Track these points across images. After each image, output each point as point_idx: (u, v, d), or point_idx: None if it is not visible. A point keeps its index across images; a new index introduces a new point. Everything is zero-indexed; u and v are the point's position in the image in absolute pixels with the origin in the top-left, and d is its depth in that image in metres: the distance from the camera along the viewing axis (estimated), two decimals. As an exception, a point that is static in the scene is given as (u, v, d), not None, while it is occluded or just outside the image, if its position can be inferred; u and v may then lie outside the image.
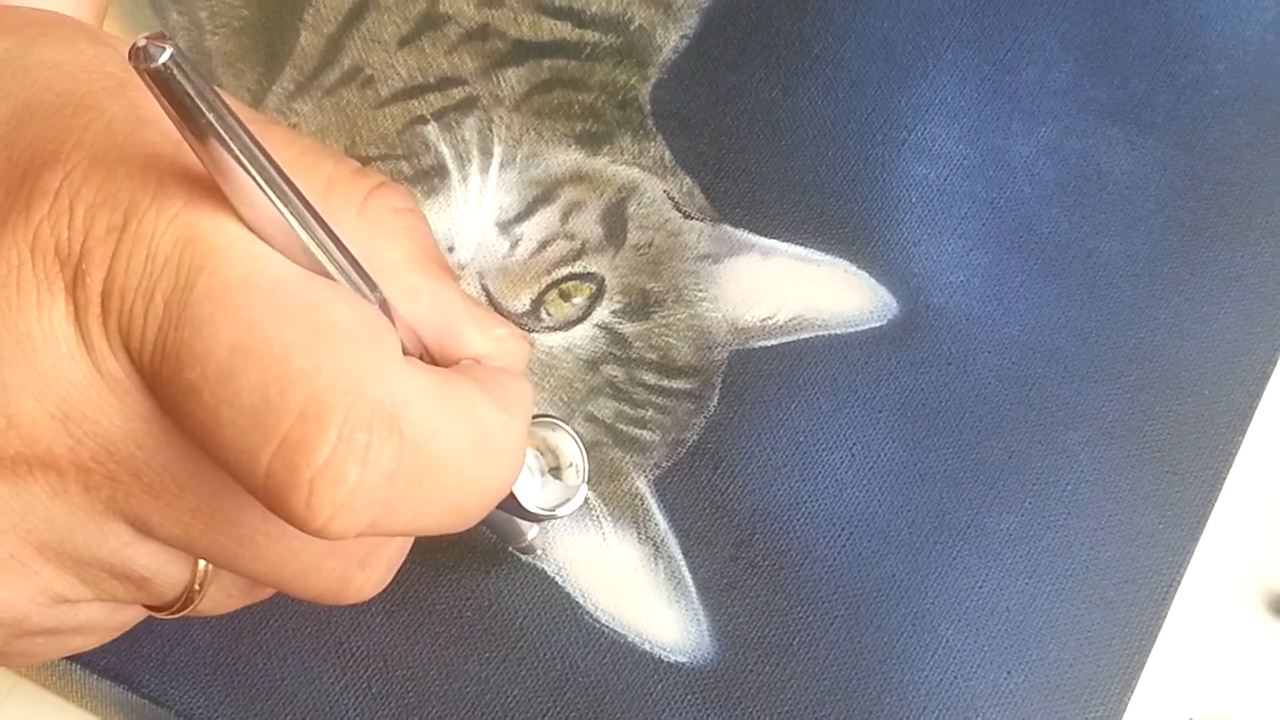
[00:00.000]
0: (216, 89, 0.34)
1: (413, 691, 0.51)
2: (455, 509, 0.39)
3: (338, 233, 0.37)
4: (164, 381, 0.36)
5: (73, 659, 0.50)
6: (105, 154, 0.36)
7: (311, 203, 0.36)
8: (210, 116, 0.33)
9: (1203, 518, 0.54)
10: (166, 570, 0.40)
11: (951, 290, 0.57)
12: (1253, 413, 0.56)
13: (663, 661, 0.52)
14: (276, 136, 0.39)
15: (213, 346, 0.35)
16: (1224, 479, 0.55)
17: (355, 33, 0.60)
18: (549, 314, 0.56)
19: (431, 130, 0.59)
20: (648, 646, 0.52)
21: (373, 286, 0.38)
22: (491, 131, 0.59)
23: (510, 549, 0.53)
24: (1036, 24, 0.62)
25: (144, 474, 0.37)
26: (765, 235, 0.58)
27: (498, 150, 0.58)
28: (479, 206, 0.57)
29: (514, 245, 0.57)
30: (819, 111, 0.60)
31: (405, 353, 0.38)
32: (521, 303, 0.55)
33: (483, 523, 0.48)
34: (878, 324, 0.56)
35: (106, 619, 0.42)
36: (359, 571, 0.42)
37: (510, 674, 0.51)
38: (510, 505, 0.46)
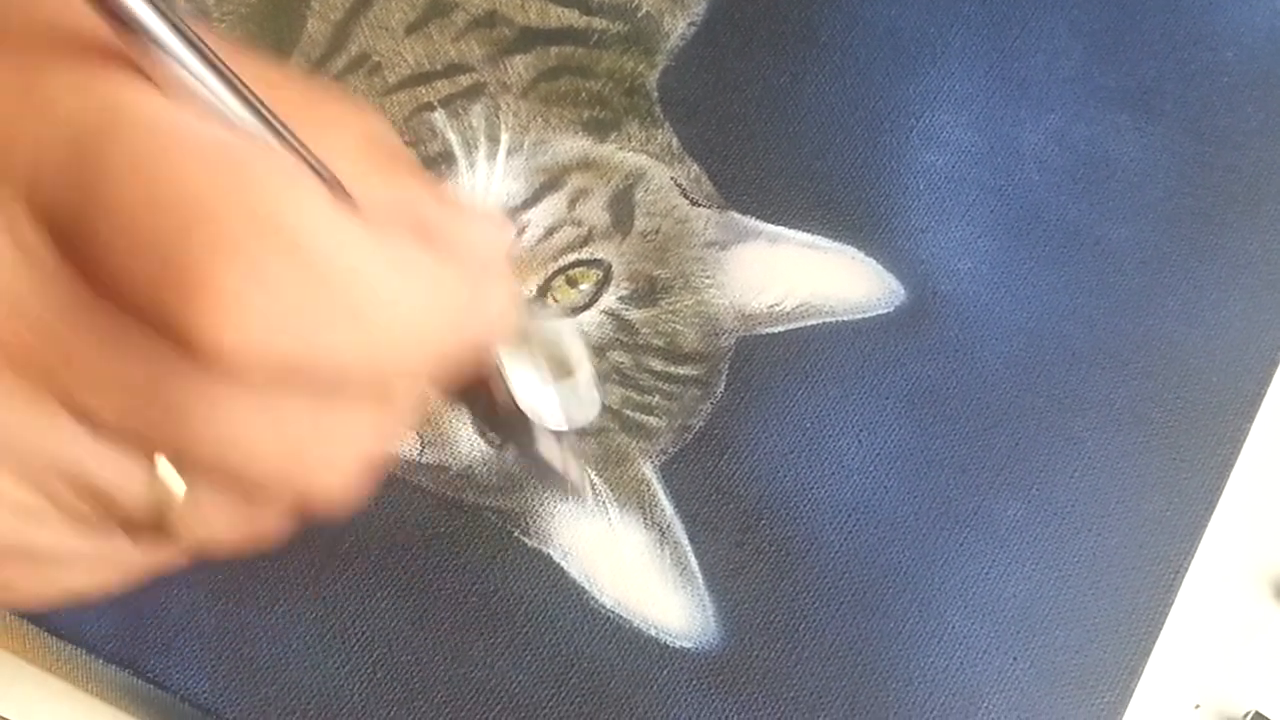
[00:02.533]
0: None
1: (417, 676, 0.51)
2: (374, 347, 0.37)
3: (263, 104, 0.36)
4: (78, 239, 0.35)
5: (78, 643, 0.50)
6: (13, 20, 0.36)
7: (238, 74, 0.35)
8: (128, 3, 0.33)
9: (1210, 504, 0.54)
10: (124, 479, 0.39)
11: (959, 277, 0.57)
12: (1261, 399, 0.55)
13: (668, 647, 0.52)
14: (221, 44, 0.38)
15: (124, 201, 0.34)
16: (1232, 466, 0.55)
17: (362, 19, 0.60)
18: (555, 300, 0.56)
19: (439, 117, 0.59)
20: (653, 632, 0.52)
21: (317, 162, 0.37)
22: (499, 118, 0.59)
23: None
24: (1045, 10, 0.61)
25: (64, 343, 0.36)
26: (772, 222, 0.58)
27: (505, 137, 0.58)
28: (486, 193, 0.57)
29: (521, 232, 0.57)
30: (826, 98, 0.60)
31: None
32: (528, 289, 0.55)
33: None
34: (885, 311, 0.56)
35: (81, 545, 0.40)
36: (315, 447, 0.39)
37: (515, 659, 0.51)
38: (524, 421, 0.44)
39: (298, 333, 0.35)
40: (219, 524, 0.41)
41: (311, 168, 0.37)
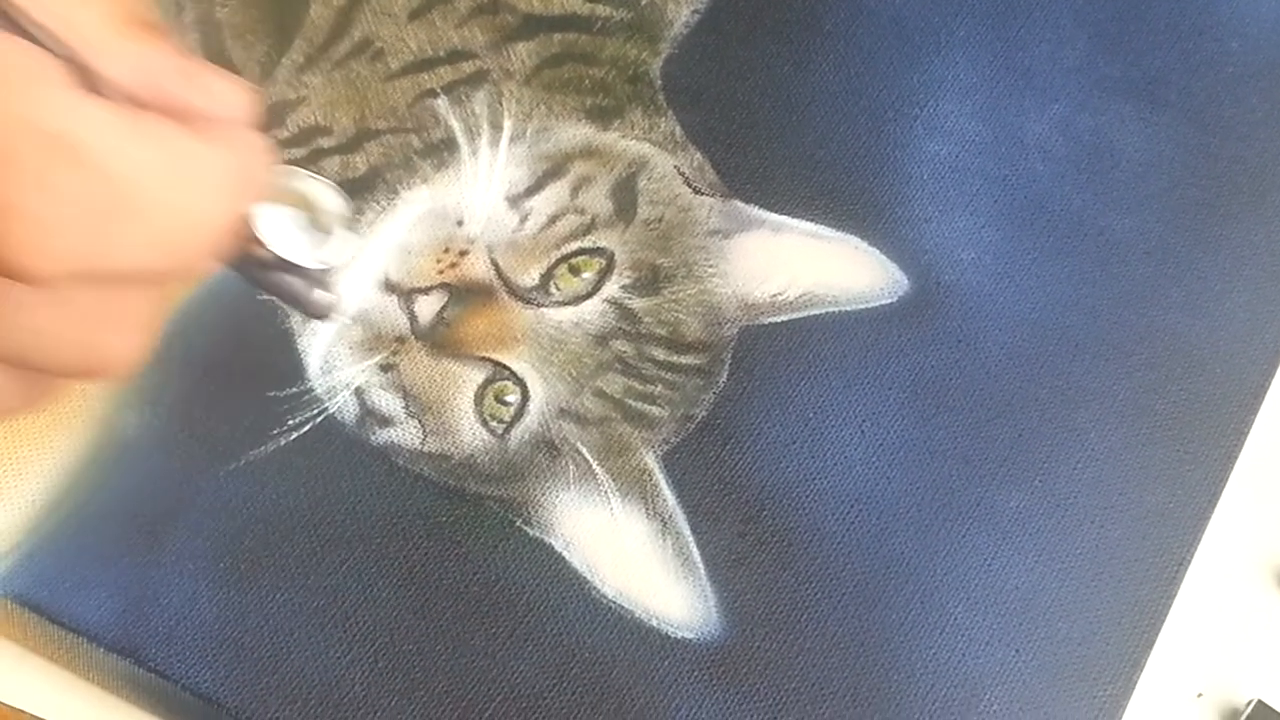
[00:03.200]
0: None
1: (419, 666, 0.51)
2: (162, 240, 0.38)
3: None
4: None
5: (79, 632, 0.50)
6: None
7: None
8: None
9: (1213, 496, 0.54)
10: None
11: (962, 268, 0.57)
12: (1265, 391, 0.55)
13: (669, 637, 0.51)
14: None
15: None
16: (1235, 458, 0.54)
17: (366, 5, 0.60)
18: (558, 289, 0.55)
19: (441, 104, 0.58)
20: (655, 622, 0.52)
21: (58, 44, 0.37)
22: (501, 105, 0.58)
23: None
24: (1050, 0, 0.61)
25: None
26: (776, 211, 0.57)
27: (508, 124, 0.58)
28: (489, 180, 0.57)
29: (523, 219, 0.56)
30: (830, 87, 0.59)
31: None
32: (531, 277, 0.55)
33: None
34: (888, 301, 0.56)
35: None
36: (110, 335, 0.41)
37: (516, 649, 0.51)
38: (279, 263, 0.44)
39: (93, 239, 0.36)
40: (7, 397, 0.42)
41: (59, 53, 0.37)
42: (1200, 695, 0.53)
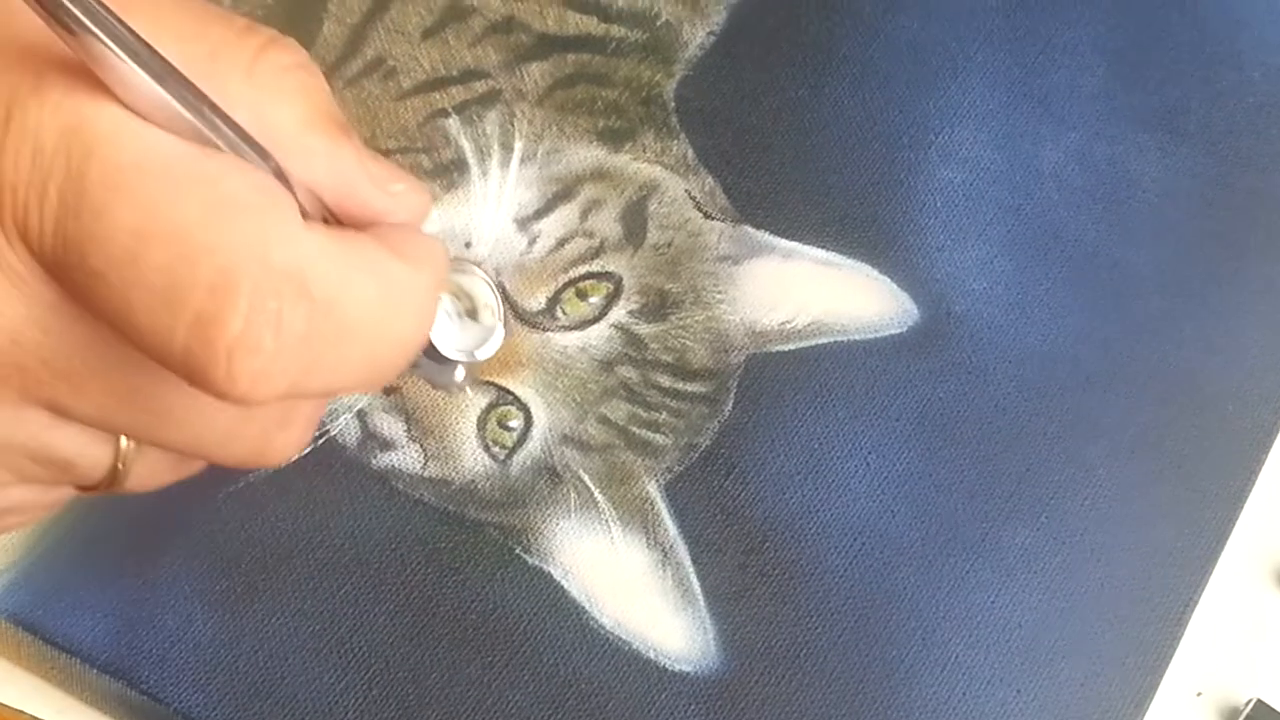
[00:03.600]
0: None
1: (413, 694, 0.50)
2: (372, 364, 0.39)
3: (221, 103, 0.37)
4: (68, 270, 0.36)
5: (72, 652, 0.50)
6: None
7: (196, 71, 0.36)
8: (74, 8, 0.34)
9: (1223, 536, 0.53)
10: (88, 451, 0.41)
11: (974, 298, 0.56)
12: (1277, 430, 0.55)
13: (667, 670, 0.51)
14: (164, 2, 0.39)
15: (114, 232, 0.35)
16: (1246, 497, 0.54)
17: (379, 23, 0.60)
18: (565, 313, 0.55)
19: (453, 123, 0.58)
20: (652, 654, 0.51)
21: (265, 155, 0.38)
22: (513, 126, 0.58)
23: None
24: (1069, 26, 0.61)
25: (53, 360, 0.38)
26: (787, 237, 0.57)
27: (519, 145, 0.58)
28: (498, 202, 0.57)
29: (532, 242, 0.56)
30: (845, 112, 0.59)
31: (306, 216, 0.38)
32: (537, 301, 0.55)
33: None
34: (898, 330, 0.56)
35: (35, 499, 0.42)
36: (280, 432, 0.42)
37: (512, 678, 0.51)
38: (429, 350, 0.46)
39: (308, 368, 0.37)
40: (160, 475, 0.44)
41: (263, 167, 0.38)
42: (1200, 694, 0.52)
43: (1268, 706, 0.52)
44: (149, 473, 0.43)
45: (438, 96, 0.59)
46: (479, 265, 0.48)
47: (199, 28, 0.39)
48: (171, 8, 0.39)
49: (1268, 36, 0.60)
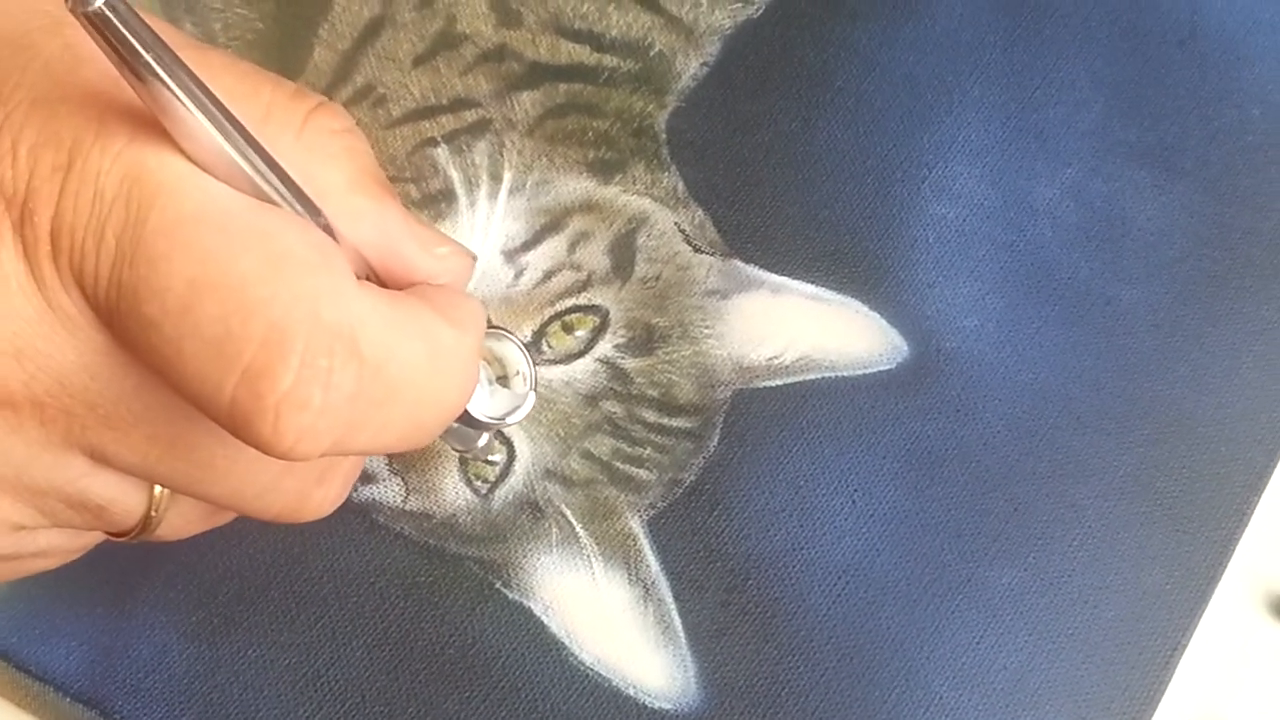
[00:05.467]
0: (151, 25, 0.34)
1: (389, 729, 0.50)
2: (415, 425, 0.40)
3: (279, 160, 0.37)
4: (121, 316, 0.36)
5: (46, 680, 0.50)
6: (46, 94, 0.37)
7: (251, 130, 0.37)
8: (148, 56, 0.34)
9: (1213, 579, 0.53)
10: (123, 498, 0.41)
11: (964, 335, 0.55)
12: (1270, 472, 0.54)
13: (647, 708, 0.50)
14: (215, 63, 0.39)
15: (170, 281, 0.35)
16: (1237, 540, 0.53)
17: (370, 50, 0.59)
18: (550, 346, 0.54)
19: (441, 153, 0.58)
20: (632, 691, 0.51)
21: (316, 212, 0.38)
22: (502, 156, 0.58)
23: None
24: (1067, 61, 0.60)
25: (99, 405, 0.38)
26: (777, 272, 0.56)
27: (507, 176, 0.57)
28: (485, 234, 0.56)
29: (518, 275, 0.56)
30: (838, 145, 0.58)
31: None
32: (523, 334, 0.54)
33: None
34: (887, 367, 0.55)
35: (66, 544, 0.43)
36: (316, 489, 0.43)
37: (490, 714, 0.50)
38: (462, 415, 0.47)
39: (353, 427, 0.38)
40: (191, 525, 0.45)
41: (315, 223, 0.38)
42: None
43: (1257, 738, 0.51)
44: (181, 522, 0.44)
45: (427, 125, 0.58)
46: (512, 332, 0.49)
47: (251, 89, 0.40)
48: (223, 68, 0.40)
49: (1268, 74, 0.60)
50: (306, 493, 0.43)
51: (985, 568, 0.52)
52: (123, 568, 0.51)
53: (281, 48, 0.59)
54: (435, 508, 0.53)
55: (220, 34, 0.60)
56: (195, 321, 0.36)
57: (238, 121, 0.37)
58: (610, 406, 0.54)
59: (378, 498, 0.53)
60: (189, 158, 0.36)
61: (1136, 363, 0.55)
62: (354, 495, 0.53)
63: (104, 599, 0.51)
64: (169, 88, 0.35)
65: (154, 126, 0.36)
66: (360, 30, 0.60)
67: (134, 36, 0.34)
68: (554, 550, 0.52)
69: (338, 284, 0.37)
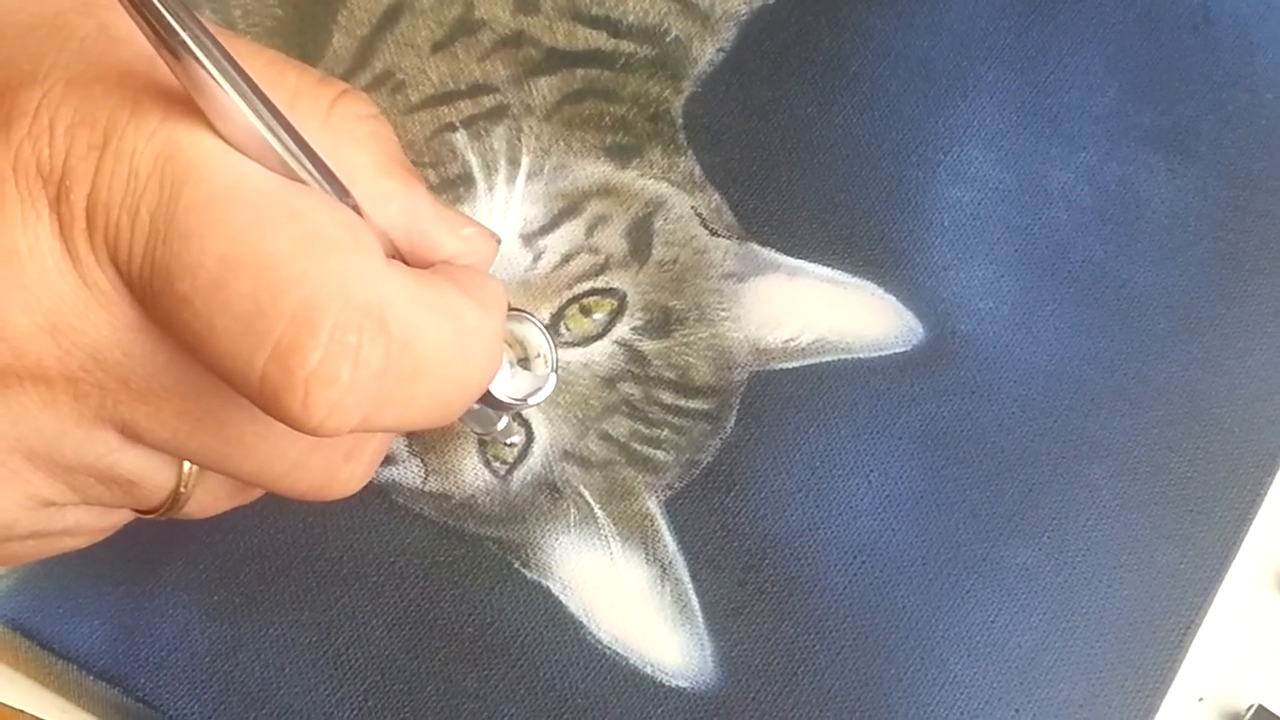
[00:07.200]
0: (187, 5, 0.35)
1: (409, 706, 0.50)
2: (440, 403, 0.41)
3: (309, 142, 0.38)
4: (154, 292, 0.37)
5: (68, 658, 0.50)
6: (81, 74, 0.38)
7: (282, 113, 0.37)
8: (185, 35, 0.35)
9: (1226, 559, 0.53)
10: (153, 474, 0.42)
11: (979, 317, 0.56)
12: (1283, 453, 0.54)
13: (664, 686, 0.51)
14: (242, 50, 0.40)
15: (202, 258, 0.36)
16: (1250, 520, 0.54)
17: (388, 36, 0.60)
18: (568, 329, 0.55)
19: (460, 138, 0.58)
20: (649, 670, 0.51)
21: (345, 192, 0.39)
22: (520, 141, 0.58)
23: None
24: (1082, 45, 0.60)
25: (132, 380, 0.38)
26: (793, 255, 0.57)
27: (525, 160, 0.58)
28: (503, 218, 0.57)
29: (537, 258, 0.56)
30: (854, 130, 0.59)
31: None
32: (541, 317, 0.55)
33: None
34: (902, 349, 0.55)
35: (94, 522, 0.43)
36: (344, 466, 0.43)
37: (508, 692, 0.51)
38: (483, 396, 0.47)
39: (381, 404, 0.38)
40: (219, 502, 0.45)
41: (345, 203, 0.39)
42: (1201, 700, 0.52)
43: (1269, 712, 0.51)
44: (209, 499, 0.45)
45: (445, 111, 0.59)
46: (533, 314, 0.49)
47: (277, 74, 0.41)
48: (248, 54, 0.40)
49: (1280, 58, 0.60)
50: (333, 470, 0.43)
51: (1000, 547, 0.53)
52: (145, 547, 0.52)
53: (300, 34, 0.60)
54: (454, 489, 0.53)
55: (239, 20, 0.60)
56: (226, 298, 0.36)
57: (269, 101, 0.37)
58: (628, 388, 0.54)
59: (397, 479, 0.53)
60: (221, 136, 0.37)
61: (1151, 345, 0.56)
62: (374, 477, 0.53)
63: (126, 578, 0.51)
64: (204, 65, 0.35)
65: (187, 105, 0.37)
66: (379, 16, 0.60)
67: (170, 14, 0.34)
68: (572, 530, 0.53)
69: (367, 262, 0.38)
